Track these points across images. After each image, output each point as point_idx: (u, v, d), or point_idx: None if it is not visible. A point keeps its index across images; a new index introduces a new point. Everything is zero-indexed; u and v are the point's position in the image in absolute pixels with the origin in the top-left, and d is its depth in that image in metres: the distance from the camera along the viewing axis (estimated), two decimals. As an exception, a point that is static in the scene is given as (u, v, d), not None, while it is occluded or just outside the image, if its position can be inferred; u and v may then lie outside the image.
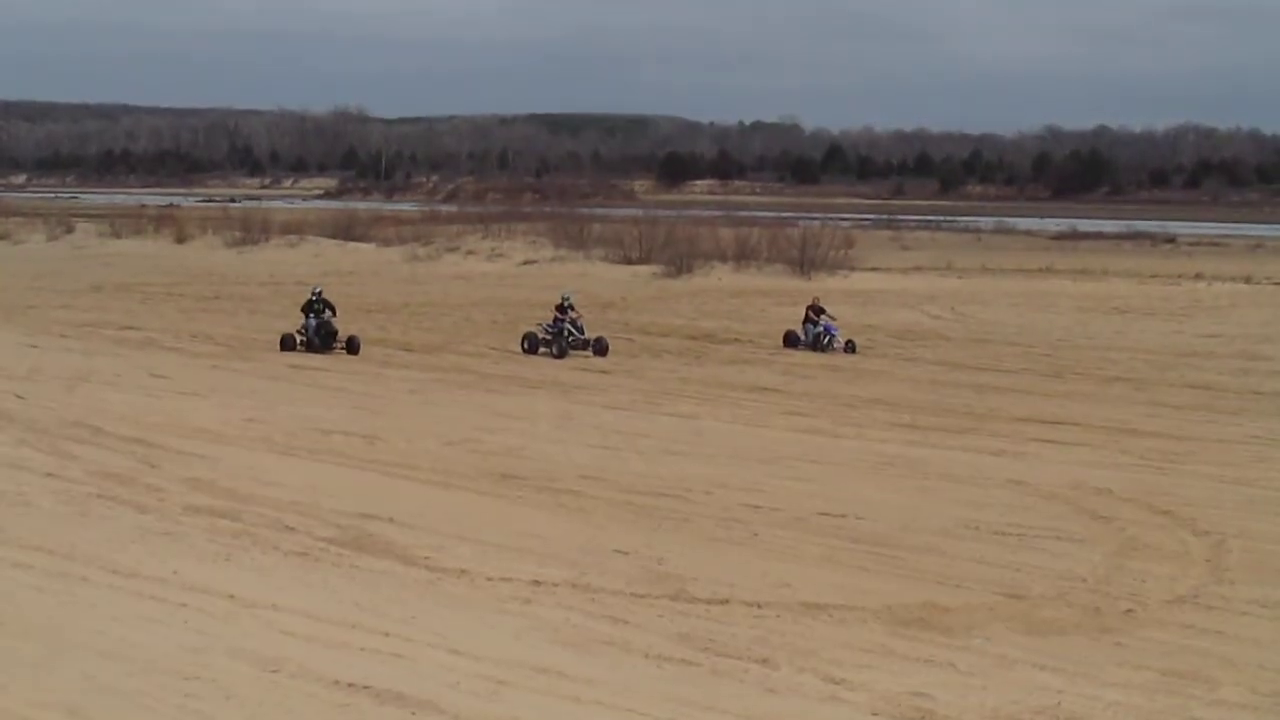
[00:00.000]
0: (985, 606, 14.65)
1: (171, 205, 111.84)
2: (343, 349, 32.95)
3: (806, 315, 38.89)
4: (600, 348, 35.96)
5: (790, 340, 38.55)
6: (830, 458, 23.34)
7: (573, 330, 35.70)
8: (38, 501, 17.67)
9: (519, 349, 35.39)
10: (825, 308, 39.98)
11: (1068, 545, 17.38)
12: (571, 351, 35.05)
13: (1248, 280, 57.79)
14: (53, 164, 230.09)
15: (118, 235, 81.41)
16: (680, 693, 11.54)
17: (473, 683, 11.55)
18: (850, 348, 37.96)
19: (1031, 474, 21.93)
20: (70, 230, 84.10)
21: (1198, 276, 58.80)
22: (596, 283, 56.64)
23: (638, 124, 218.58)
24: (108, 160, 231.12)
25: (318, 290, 34.17)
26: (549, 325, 35.77)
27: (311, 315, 32.90)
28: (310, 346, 32.91)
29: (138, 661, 11.91)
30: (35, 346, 35.21)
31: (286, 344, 34.14)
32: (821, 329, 38.04)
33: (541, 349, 35.20)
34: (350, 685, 11.15)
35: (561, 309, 35.95)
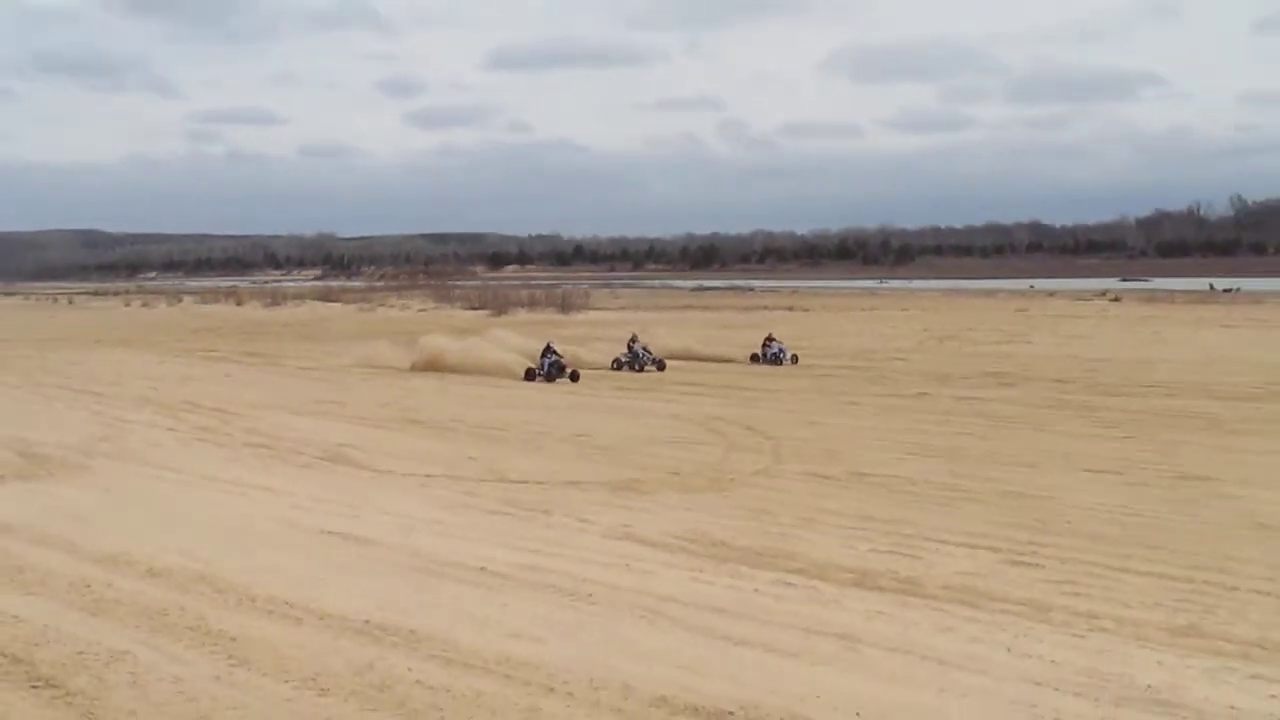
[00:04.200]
0: (660, 480, 17.87)
1: (233, 287, 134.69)
2: (568, 379, 34.11)
3: (764, 342, 40.87)
4: (660, 365, 38.10)
5: (755, 359, 40.40)
6: (584, 406, 27.95)
7: (646, 352, 38.38)
8: (164, 442, 21.93)
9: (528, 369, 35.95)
10: (775, 337, 41.53)
11: (701, 447, 21.12)
12: (646, 368, 37.65)
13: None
14: (169, 266, 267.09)
15: (204, 303, 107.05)
16: (502, 528, 14.47)
17: (394, 528, 14.33)
18: (794, 359, 39.94)
19: (683, 412, 26.18)
20: (179, 301, 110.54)
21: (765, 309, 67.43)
22: (456, 319, 68.21)
23: (477, 236, 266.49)
24: (199, 264, 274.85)
25: (549, 344, 36.09)
26: (625, 353, 38.25)
27: (546, 356, 34.66)
28: (546, 378, 34.18)
29: (218, 523, 14.58)
30: (161, 362, 42.44)
31: (529, 375, 34.58)
32: (775, 350, 40.01)
33: (625, 368, 37.72)
34: (329, 532, 14.07)
35: (631, 342, 38.87)
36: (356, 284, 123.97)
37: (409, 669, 9.03)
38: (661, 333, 46.20)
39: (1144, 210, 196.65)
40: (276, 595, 11.11)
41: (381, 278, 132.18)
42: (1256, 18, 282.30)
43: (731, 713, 8.03)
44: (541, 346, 36.59)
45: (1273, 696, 8.70)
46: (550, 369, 34.64)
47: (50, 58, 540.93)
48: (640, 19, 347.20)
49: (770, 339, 41.42)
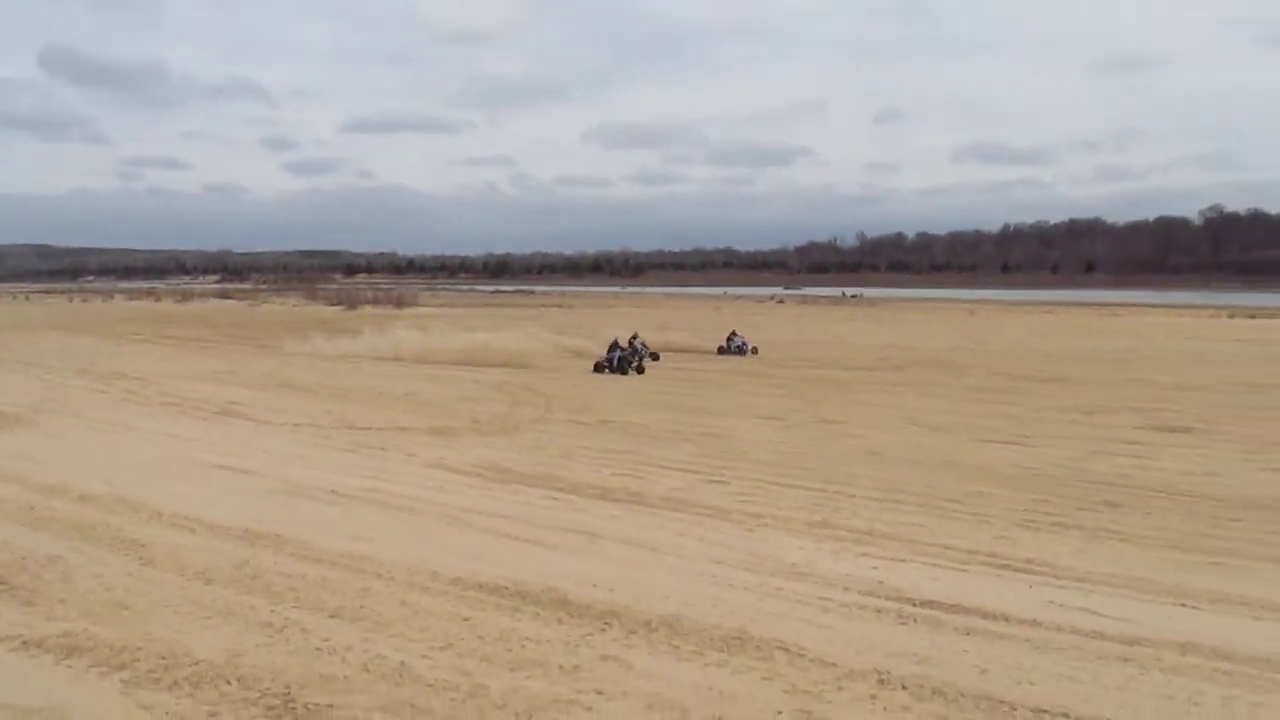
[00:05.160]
0: (464, 427, 17.41)
1: (153, 288, 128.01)
2: (636, 371, 27.26)
3: (729, 336, 35.15)
4: (655, 356, 31.07)
5: (721, 350, 34.39)
6: (413, 375, 26.86)
7: (644, 348, 30.56)
8: (98, 402, 20.29)
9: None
10: (736, 331, 36.57)
11: (494, 403, 20.66)
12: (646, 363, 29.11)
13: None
14: (103, 272, 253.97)
15: (131, 299, 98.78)
16: (350, 462, 14.00)
17: (269, 463, 13.79)
18: (754, 351, 34.04)
19: (482, 378, 25.55)
20: (111, 298, 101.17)
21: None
22: (320, 312, 64.56)
23: (336, 253, 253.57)
24: (127, 270, 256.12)
25: (615, 340, 29.49)
26: (625, 350, 29.15)
27: (615, 350, 28.23)
28: (612, 369, 27.46)
29: (137, 461, 13.82)
30: (97, 343, 38.75)
31: (598, 368, 27.56)
32: (739, 343, 34.55)
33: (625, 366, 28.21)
34: (220, 466, 13.44)
35: (632, 340, 30.31)
36: (246, 286, 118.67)
37: (275, 563, 8.74)
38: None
39: (800, 241, 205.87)
40: (178, 512, 10.65)
41: (265, 283, 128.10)
42: (876, 111, 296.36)
43: (506, 587, 8.00)
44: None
45: (874, 567, 9.03)
46: (620, 362, 27.77)
47: (10, 115, 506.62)
48: (455, 100, 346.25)
49: (734, 334, 35.96)
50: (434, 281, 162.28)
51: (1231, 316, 61.76)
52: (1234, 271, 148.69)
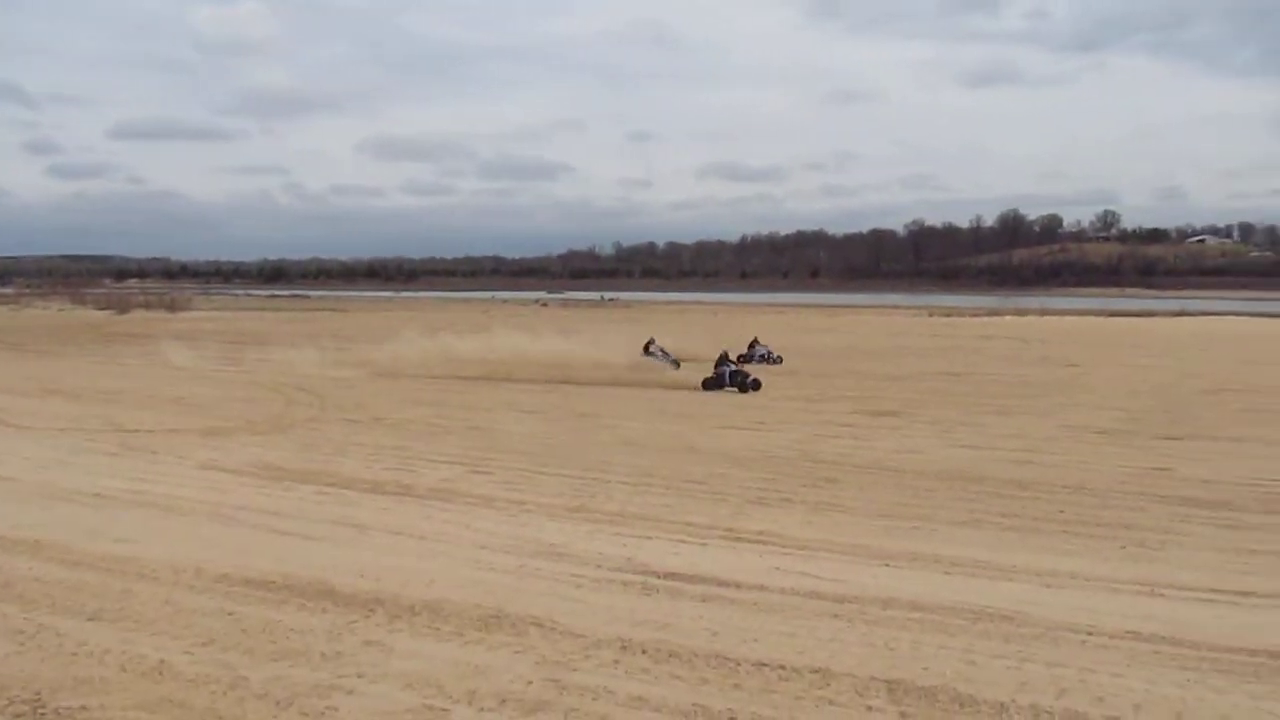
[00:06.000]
0: (237, 427, 16.46)
1: None
2: (752, 389, 22.46)
3: (646, 345, 27.17)
4: (777, 360, 28.19)
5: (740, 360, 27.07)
6: (185, 378, 24.81)
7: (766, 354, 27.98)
8: None
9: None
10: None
11: (269, 404, 19.64)
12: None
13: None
14: None
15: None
16: (117, 465, 12.98)
17: (30, 468, 12.60)
18: (779, 360, 28.87)
19: (258, 379, 23.92)
20: None
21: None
22: (90, 315, 57.75)
23: (106, 257, 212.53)
24: None
25: (724, 352, 24.09)
26: (661, 352, 26.10)
27: (725, 365, 23.22)
28: (720, 386, 22.79)
29: None
30: None
31: (708, 385, 22.97)
32: (763, 352, 29.60)
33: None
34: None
35: (649, 344, 26.64)
36: (9, 291, 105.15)
37: (30, 569, 7.95)
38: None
39: (562, 249, 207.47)
40: (-78, 523, 9.51)
41: (29, 287, 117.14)
42: (630, 131, 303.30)
43: (273, 581, 7.61)
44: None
45: (624, 545, 9.16)
46: (731, 376, 23.05)
47: None
48: (227, 109, 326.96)
49: (755, 341, 31.20)
50: (209, 286, 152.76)
51: (931, 315, 66.46)
52: (933, 277, 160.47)
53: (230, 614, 6.83)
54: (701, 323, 55.39)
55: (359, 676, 5.69)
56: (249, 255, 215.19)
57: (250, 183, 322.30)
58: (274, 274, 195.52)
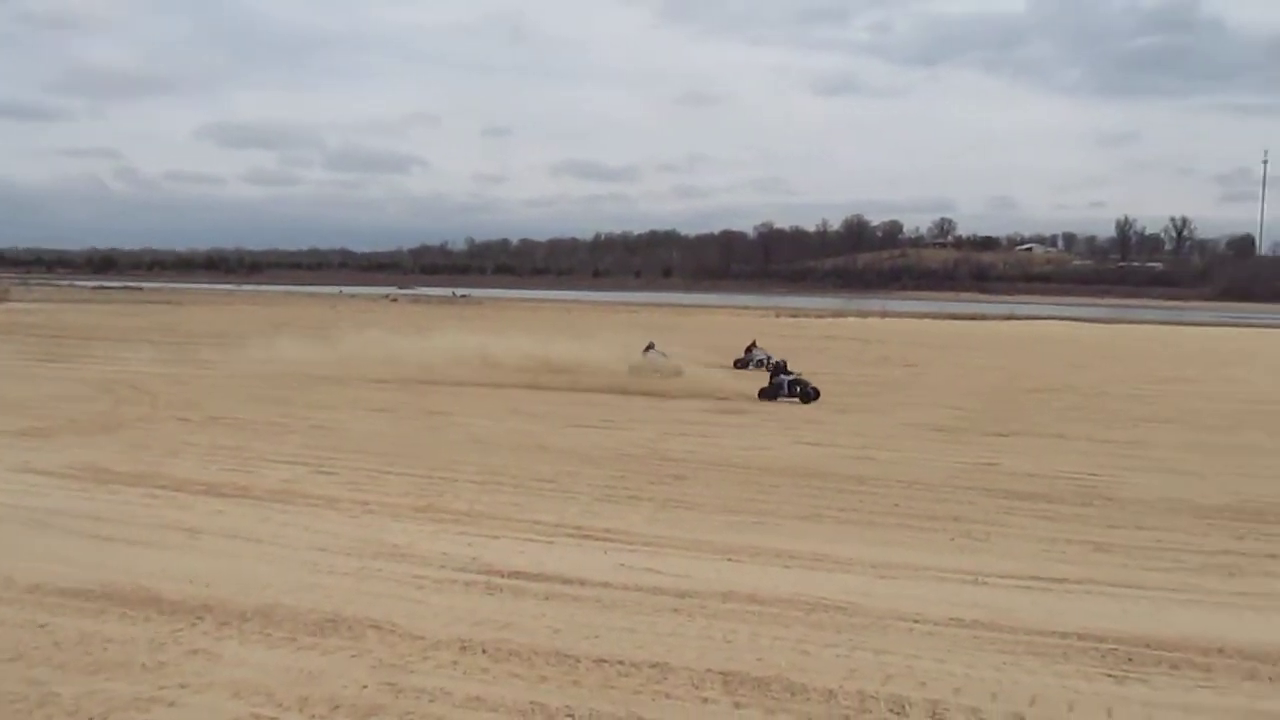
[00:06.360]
0: (59, 427, 15.41)
1: None
2: (814, 398, 21.27)
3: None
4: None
5: (739, 364, 28.67)
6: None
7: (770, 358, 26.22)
8: None
9: None
10: (757, 344, 30.81)
11: (96, 402, 18.45)
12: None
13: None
14: None
15: None
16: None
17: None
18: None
19: (86, 376, 22.59)
20: None
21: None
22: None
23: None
24: None
25: (775, 361, 23.78)
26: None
27: (783, 375, 21.84)
28: (777, 395, 21.51)
29: None
30: None
31: (764, 394, 21.67)
32: (760, 356, 28.67)
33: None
34: None
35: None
36: None
37: None
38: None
39: (414, 244, 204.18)
40: None
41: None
42: (485, 127, 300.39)
43: (91, 590, 7.22)
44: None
45: (470, 544, 9.07)
46: (790, 386, 22.00)
47: None
48: (52, 86, 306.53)
49: (753, 345, 31.00)
50: (28, 276, 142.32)
51: (779, 316, 68.26)
52: (781, 278, 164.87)
53: (42, 626, 6.44)
54: (555, 320, 55.34)
55: (182, 687, 5.45)
56: (76, 244, 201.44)
57: (77, 165, 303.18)
58: (103, 264, 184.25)
